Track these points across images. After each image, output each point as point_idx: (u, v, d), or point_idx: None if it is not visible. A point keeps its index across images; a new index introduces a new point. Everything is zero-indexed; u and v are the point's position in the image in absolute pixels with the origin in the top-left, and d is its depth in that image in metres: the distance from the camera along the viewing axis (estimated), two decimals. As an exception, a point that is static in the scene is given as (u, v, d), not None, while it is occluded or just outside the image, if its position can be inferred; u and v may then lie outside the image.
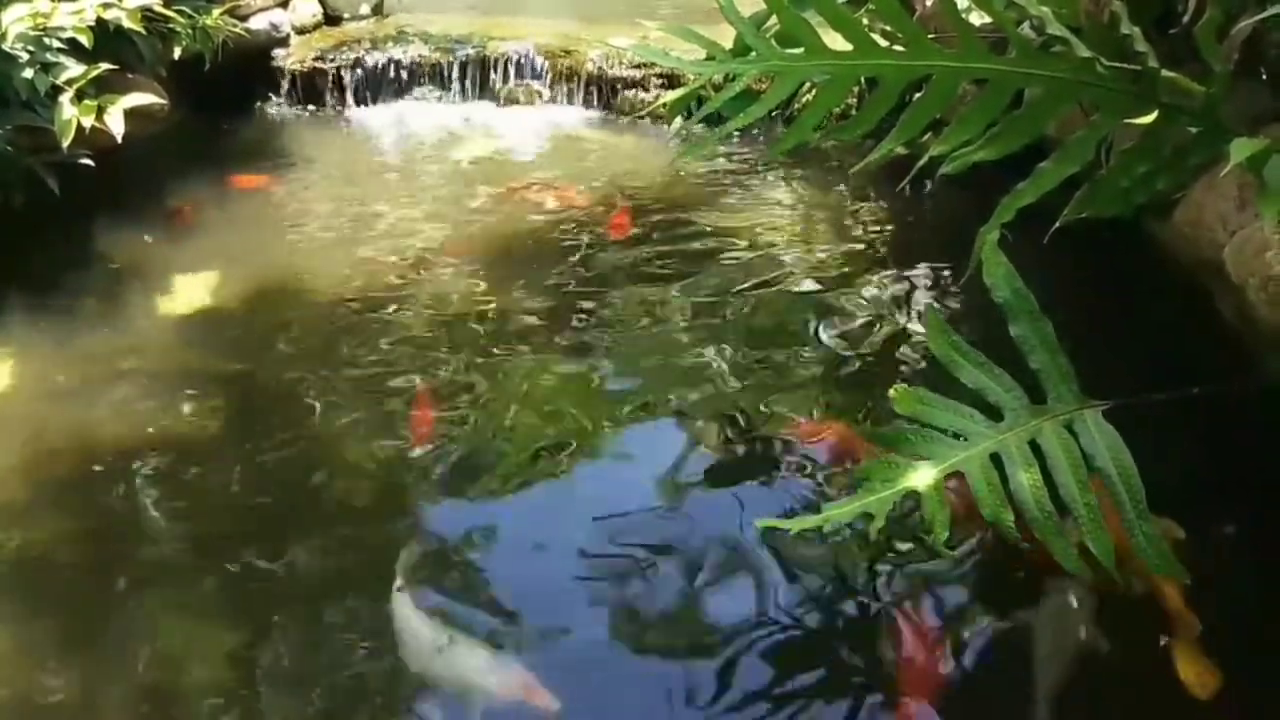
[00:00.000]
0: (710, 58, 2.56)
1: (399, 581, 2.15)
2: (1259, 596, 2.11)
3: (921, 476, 2.03)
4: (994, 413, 2.15)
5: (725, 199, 4.09)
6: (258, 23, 4.99)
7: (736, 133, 3.73)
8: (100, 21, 3.86)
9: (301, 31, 5.33)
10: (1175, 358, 2.71)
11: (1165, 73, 2.12)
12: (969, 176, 2.40)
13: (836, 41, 2.28)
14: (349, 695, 1.94)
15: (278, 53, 5.15)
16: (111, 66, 3.85)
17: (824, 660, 2.02)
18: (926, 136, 2.55)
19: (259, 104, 5.11)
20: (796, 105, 4.22)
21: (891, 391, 2.19)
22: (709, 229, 3.80)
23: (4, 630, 2.07)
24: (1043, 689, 1.98)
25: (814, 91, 2.43)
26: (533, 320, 3.16)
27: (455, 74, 5.13)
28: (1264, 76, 2.55)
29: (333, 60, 5.14)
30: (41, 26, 3.72)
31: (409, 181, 4.32)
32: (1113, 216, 2.38)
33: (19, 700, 1.93)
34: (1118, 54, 2.15)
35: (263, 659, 2.00)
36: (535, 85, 5.10)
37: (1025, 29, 2.30)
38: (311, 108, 5.10)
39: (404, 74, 5.15)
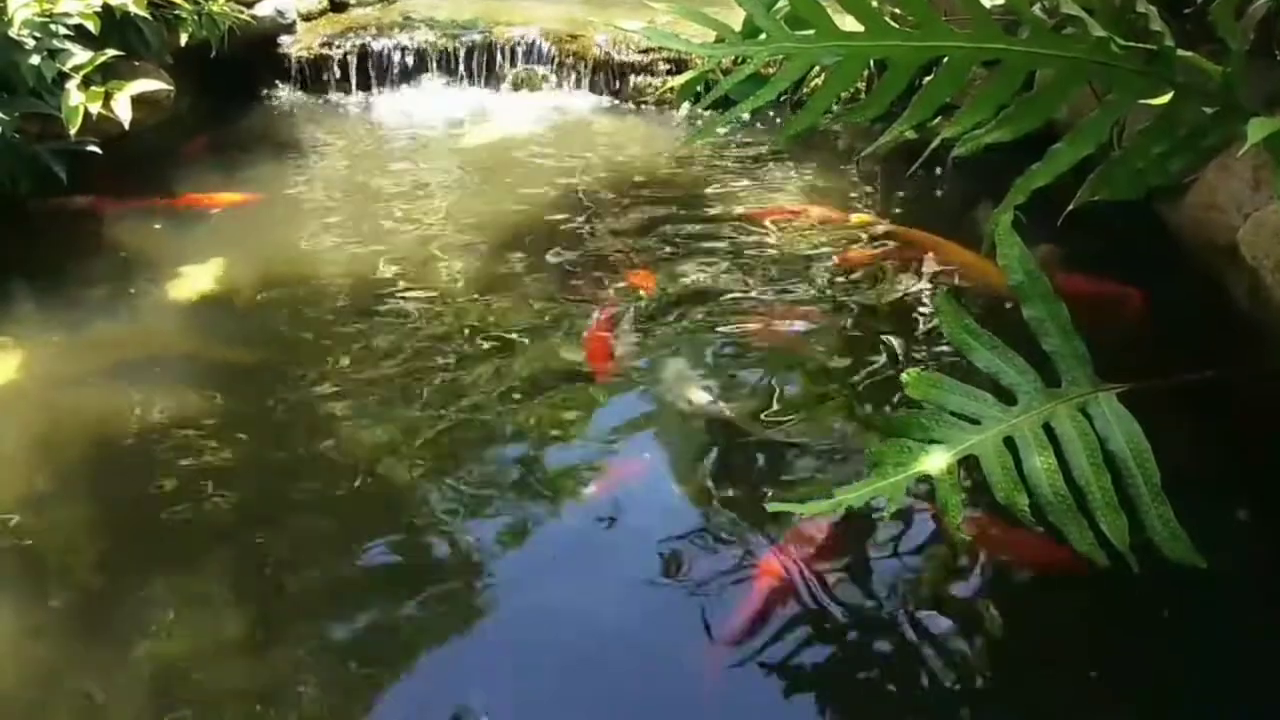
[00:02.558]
0: (720, 41, 2.54)
1: None
2: (1271, 581, 2.10)
3: (934, 461, 2.02)
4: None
5: (734, 184, 4.07)
6: (263, 9, 4.98)
7: (745, 117, 3.70)
8: (107, 8, 3.85)
9: (307, 18, 5.32)
10: (1187, 341, 2.69)
11: (1181, 52, 2.10)
12: (981, 159, 2.39)
13: (847, 23, 2.26)
14: (351, 682, 1.95)
15: (284, 39, 5.14)
16: (118, 53, 3.84)
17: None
18: (938, 119, 2.54)
19: (265, 91, 5.10)
20: (806, 89, 4.21)
21: (904, 376, 2.18)
22: (716, 214, 3.78)
23: (13, 615, 2.07)
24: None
25: (824, 75, 2.41)
26: (539, 305, 3.15)
27: (461, 60, 5.12)
28: (1280, 56, 2.53)
29: (339, 47, 5.13)
30: (48, 13, 3.72)
31: (415, 168, 4.31)
32: (1126, 199, 2.36)
33: (29, 685, 1.93)
34: (1132, 34, 2.13)
35: (271, 648, 2.00)
36: (542, 70, 5.09)
37: (1038, 9, 2.28)
38: (318, 94, 5.09)
39: (410, 60, 5.13)
